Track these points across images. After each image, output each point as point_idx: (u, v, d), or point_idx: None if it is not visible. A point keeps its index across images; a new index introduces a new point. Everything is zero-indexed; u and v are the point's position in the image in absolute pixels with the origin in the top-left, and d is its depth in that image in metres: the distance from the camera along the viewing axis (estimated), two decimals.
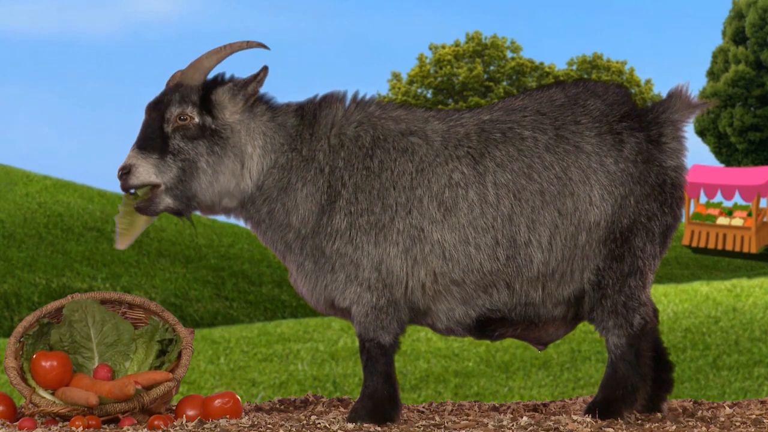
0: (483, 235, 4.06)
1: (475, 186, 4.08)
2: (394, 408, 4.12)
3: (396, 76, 44.00)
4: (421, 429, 4.02)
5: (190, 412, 4.22)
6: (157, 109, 4.12)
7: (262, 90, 4.18)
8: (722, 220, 27.36)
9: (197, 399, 4.28)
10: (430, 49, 44.11)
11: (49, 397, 4.19)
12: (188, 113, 4.10)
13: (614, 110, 4.18)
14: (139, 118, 4.16)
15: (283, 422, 4.09)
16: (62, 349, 4.31)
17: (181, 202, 4.11)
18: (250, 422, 4.08)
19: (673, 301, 17.24)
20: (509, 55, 43.93)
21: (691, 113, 4.23)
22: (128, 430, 4.07)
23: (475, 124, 4.17)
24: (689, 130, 4.28)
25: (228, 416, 4.18)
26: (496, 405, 4.61)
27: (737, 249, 27.02)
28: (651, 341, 4.18)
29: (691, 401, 4.64)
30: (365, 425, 4.05)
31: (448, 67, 42.97)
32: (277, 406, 4.64)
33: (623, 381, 4.12)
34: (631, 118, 4.18)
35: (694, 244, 27.68)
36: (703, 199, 27.89)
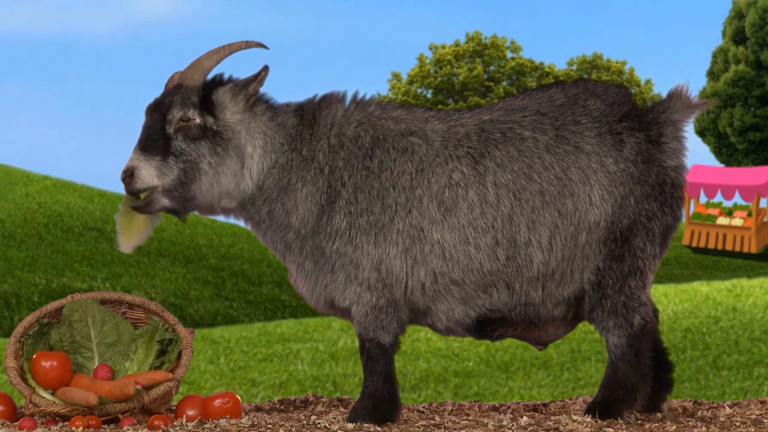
0: (483, 235, 4.06)
1: (475, 186, 4.08)
2: (394, 408, 4.12)
3: (396, 76, 44.00)
4: (421, 429, 4.02)
5: (190, 412, 4.22)
6: (158, 110, 4.11)
7: (262, 90, 4.18)
8: (722, 220, 27.36)
9: (197, 399, 4.28)
10: (430, 49, 44.12)
11: (49, 397, 4.19)
12: (190, 114, 4.10)
13: (614, 110, 4.18)
14: (139, 119, 4.16)
15: (283, 422, 4.09)
16: (62, 349, 4.30)
17: (179, 203, 4.11)
18: (250, 422, 4.08)
19: (673, 301, 17.23)
20: (509, 55, 43.94)
21: (691, 113, 4.22)
22: (128, 430, 4.07)
23: (475, 124, 4.17)
24: (689, 130, 4.28)
25: (228, 416, 4.17)
26: (496, 405, 4.61)
27: (737, 249, 27.02)
28: (651, 341, 4.17)
29: (691, 401, 4.63)
30: (365, 425, 4.05)
31: (448, 67, 42.97)
32: (277, 406, 4.63)
33: (623, 381, 4.12)
34: (631, 118, 4.17)
35: (694, 244, 27.68)
36: (703, 199, 27.89)
